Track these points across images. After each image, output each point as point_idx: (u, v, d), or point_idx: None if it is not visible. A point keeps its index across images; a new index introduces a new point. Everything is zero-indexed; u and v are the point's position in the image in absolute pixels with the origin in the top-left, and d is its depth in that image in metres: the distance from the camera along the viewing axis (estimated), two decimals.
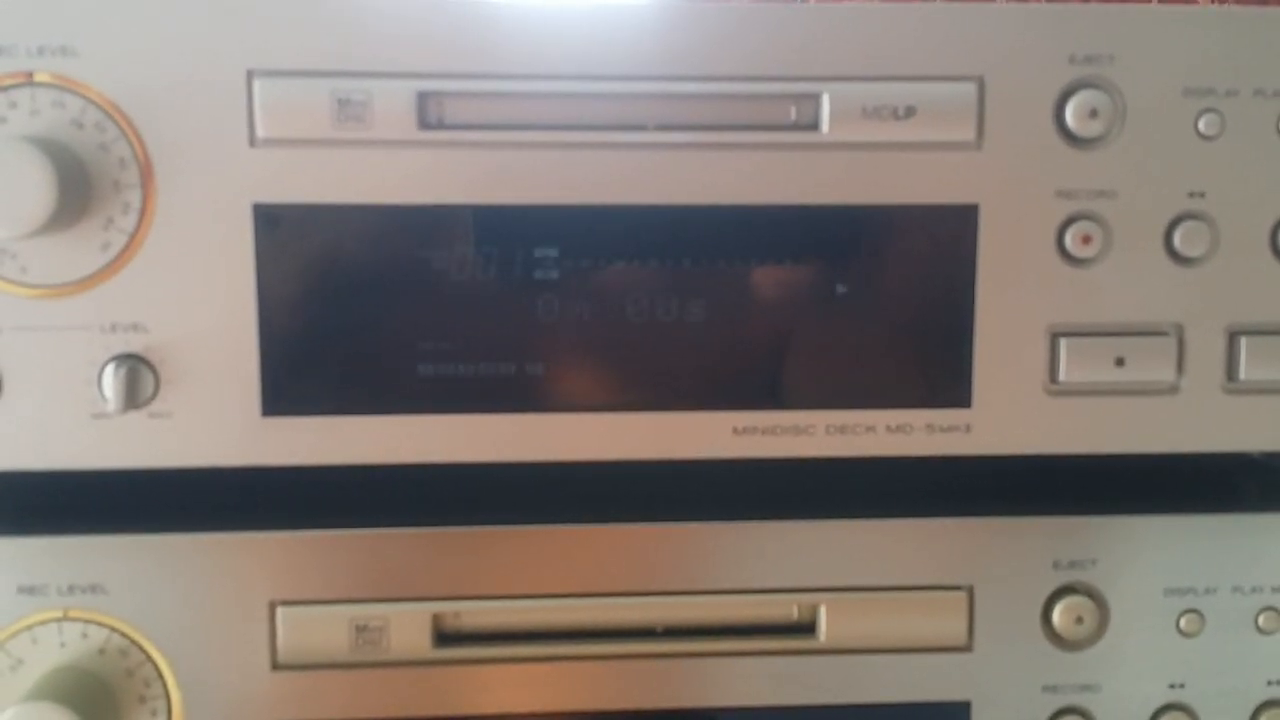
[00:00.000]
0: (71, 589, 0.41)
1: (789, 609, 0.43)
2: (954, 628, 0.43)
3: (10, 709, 0.38)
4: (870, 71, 0.40)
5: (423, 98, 0.39)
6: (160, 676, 0.41)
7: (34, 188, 0.36)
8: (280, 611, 0.41)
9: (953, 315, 0.42)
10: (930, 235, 0.41)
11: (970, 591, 0.43)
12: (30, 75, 0.38)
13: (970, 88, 0.40)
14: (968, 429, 0.42)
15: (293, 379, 0.40)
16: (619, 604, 0.42)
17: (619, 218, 0.41)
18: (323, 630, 0.41)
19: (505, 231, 0.40)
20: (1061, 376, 0.42)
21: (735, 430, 0.42)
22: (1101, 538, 0.43)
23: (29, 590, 0.40)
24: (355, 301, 0.40)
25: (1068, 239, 0.41)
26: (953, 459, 0.42)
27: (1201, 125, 0.41)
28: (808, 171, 0.41)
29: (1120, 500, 0.44)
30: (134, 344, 0.40)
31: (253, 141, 0.39)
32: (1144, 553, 0.43)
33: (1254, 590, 0.43)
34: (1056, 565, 0.43)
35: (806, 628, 0.43)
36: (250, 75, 0.39)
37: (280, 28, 0.39)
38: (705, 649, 0.43)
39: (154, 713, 0.41)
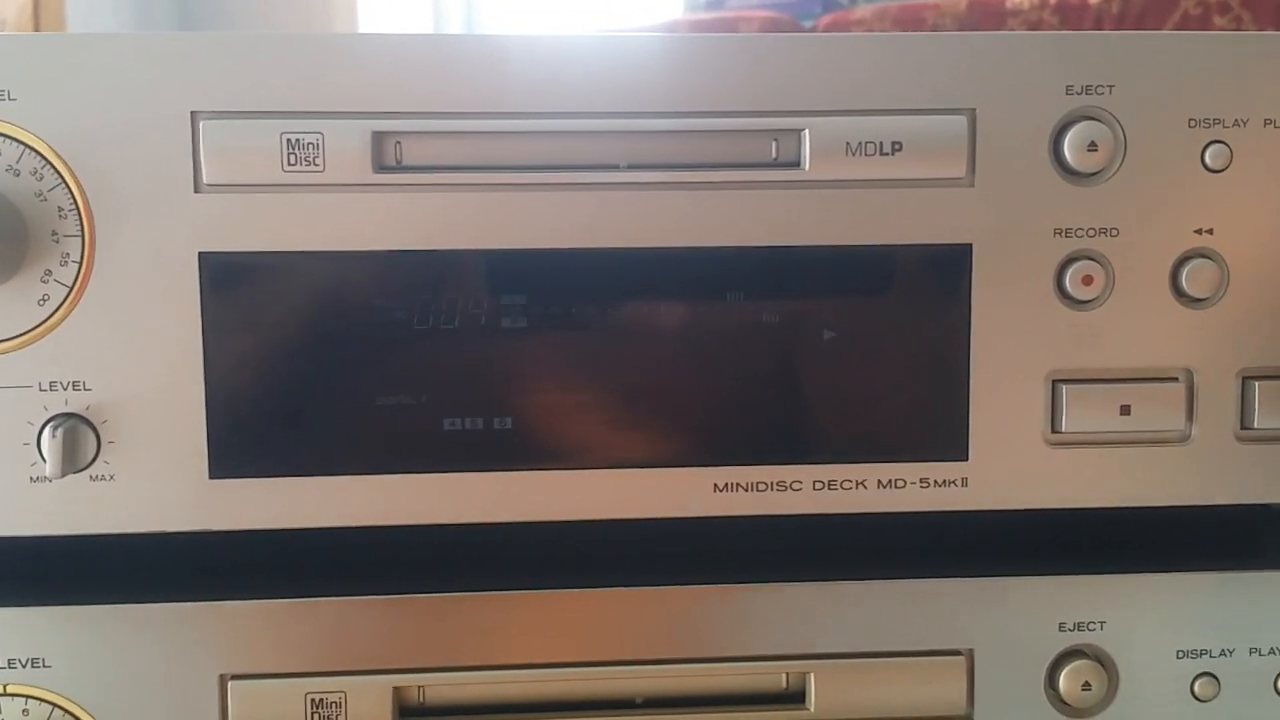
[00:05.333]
0: (11, 663, 0.39)
1: (777, 678, 0.41)
2: (953, 695, 0.41)
3: None
4: (854, 105, 0.39)
5: (378, 138, 0.38)
6: None
7: None
8: (231, 686, 0.40)
9: (947, 362, 0.40)
10: (921, 277, 0.40)
11: (970, 656, 0.41)
12: None
13: (961, 121, 0.39)
14: (964, 483, 0.40)
15: (242, 439, 0.39)
16: (595, 674, 0.41)
17: (590, 262, 0.39)
18: (277, 705, 0.40)
19: (469, 278, 0.39)
20: (1064, 426, 0.40)
21: (716, 487, 0.40)
22: (1109, 597, 0.41)
23: None
24: (309, 355, 0.39)
25: (1067, 280, 0.39)
26: (949, 515, 0.41)
27: (1208, 157, 0.39)
28: (790, 211, 0.39)
29: (1128, 557, 0.42)
30: (74, 403, 0.38)
31: (198, 187, 0.38)
32: (1155, 613, 0.41)
33: (1272, 652, 0.42)
34: (1061, 627, 0.41)
35: (795, 697, 0.41)
36: (195, 117, 0.37)
37: (226, 67, 0.37)
38: None
39: None
